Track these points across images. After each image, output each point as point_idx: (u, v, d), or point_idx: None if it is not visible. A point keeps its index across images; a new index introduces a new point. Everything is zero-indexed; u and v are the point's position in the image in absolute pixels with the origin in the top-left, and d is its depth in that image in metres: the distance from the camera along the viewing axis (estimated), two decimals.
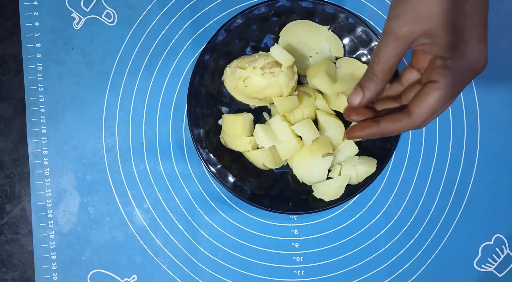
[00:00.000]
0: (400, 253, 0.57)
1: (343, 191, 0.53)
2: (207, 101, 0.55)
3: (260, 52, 0.53)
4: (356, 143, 0.54)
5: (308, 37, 0.55)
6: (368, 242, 0.57)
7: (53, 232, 0.56)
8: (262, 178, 0.56)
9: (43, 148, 0.57)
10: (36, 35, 0.57)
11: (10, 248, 0.56)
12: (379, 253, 0.57)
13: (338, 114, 0.55)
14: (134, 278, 0.56)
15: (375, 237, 0.57)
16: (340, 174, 0.53)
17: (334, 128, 0.54)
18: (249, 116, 0.54)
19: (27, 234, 0.56)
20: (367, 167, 0.53)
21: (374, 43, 0.54)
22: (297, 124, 0.52)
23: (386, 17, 0.39)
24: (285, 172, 0.56)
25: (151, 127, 0.57)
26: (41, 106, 0.57)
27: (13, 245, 0.56)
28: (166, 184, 0.57)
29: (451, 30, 0.35)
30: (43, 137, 0.57)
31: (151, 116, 0.57)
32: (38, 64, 0.57)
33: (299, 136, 0.53)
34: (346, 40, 0.55)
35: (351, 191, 0.53)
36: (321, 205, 0.53)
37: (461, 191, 0.57)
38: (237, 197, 0.53)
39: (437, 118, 0.57)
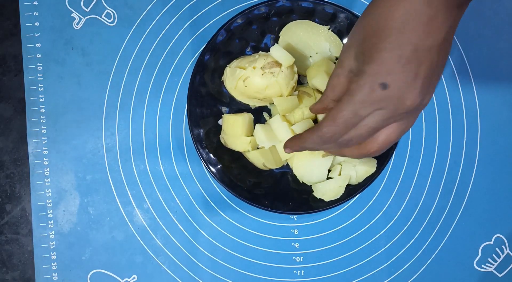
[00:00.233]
0: (400, 253, 0.57)
1: (343, 191, 0.53)
2: (207, 101, 0.55)
3: (260, 52, 0.53)
4: None
5: (308, 37, 0.55)
6: (368, 242, 0.57)
7: (53, 232, 0.56)
8: (262, 178, 0.56)
9: (43, 148, 0.57)
10: (36, 35, 0.57)
11: (10, 248, 0.56)
12: (379, 253, 0.57)
13: None
14: (134, 278, 0.56)
15: (375, 237, 0.57)
16: (340, 174, 0.53)
17: None
18: (249, 116, 0.54)
19: (27, 234, 0.56)
20: (367, 167, 0.53)
21: None
22: (297, 124, 0.52)
23: None
24: (285, 172, 0.56)
25: (151, 127, 0.57)
26: (41, 106, 0.57)
27: (13, 245, 0.56)
28: (166, 184, 0.57)
29: (356, 49, 0.39)
30: (43, 137, 0.57)
31: (151, 116, 0.57)
32: (38, 64, 0.57)
33: None
34: (346, 40, 0.55)
35: (351, 191, 0.53)
36: (321, 205, 0.53)
37: (461, 191, 0.57)
38: (237, 197, 0.53)
39: (437, 118, 0.57)
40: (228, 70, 0.53)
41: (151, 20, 0.57)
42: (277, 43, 0.54)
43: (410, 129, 0.57)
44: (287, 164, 0.56)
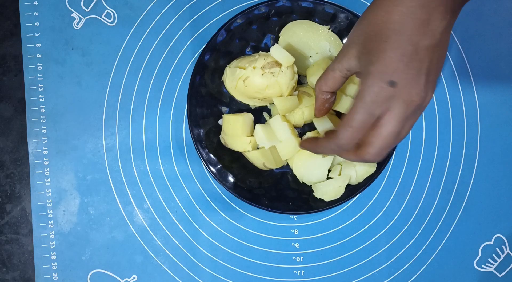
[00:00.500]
0: (400, 253, 0.57)
1: (343, 191, 0.53)
2: (207, 101, 0.55)
3: (260, 52, 0.53)
4: None
5: (308, 37, 0.55)
6: (368, 242, 0.57)
7: (53, 232, 0.56)
8: (262, 178, 0.56)
9: (43, 148, 0.57)
10: (36, 35, 0.57)
11: (10, 248, 0.56)
12: (379, 253, 0.57)
13: (337, 114, 0.55)
14: (134, 278, 0.56)
15: (375, 237, 0.57)
16: (340, 174, 0.53)
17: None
18: (249, 116, 0.54)
19: (27, 234, 0.56)
20: (367, 167, 0.53)
21: None
22: (319, 124, 0.51)
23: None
24: (285, 172, 0.56)
25: (151, 127, 0.57)
26: (41, 106, 0.57)
27: (13, 245, 0.56)
28: (166, 184, 0.57)
29: (359, 48, 0.40)
30: (43, 137, 0.57)
31: (151, 116, 0.57)
32: (38, 64, 0.57)
33: (299, 136, 0.54)
34: (346, 40, 0.55)
35: (351, 191, 0.53)
36: (321, 205, 0.53)
37: (461, 191, 0.57)
38: (237, 197, 0.53)
39: (437, 118, 0.58)
40: (228, 70, 0.53)
41: (151, 20, 0.58)
42: (277, 43, 0.54)
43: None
44: (287, 164, 0.56)
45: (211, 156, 0.54)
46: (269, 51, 0.52)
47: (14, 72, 0.57)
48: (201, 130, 0.54)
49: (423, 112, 0.57)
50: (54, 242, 0.56)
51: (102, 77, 0.57)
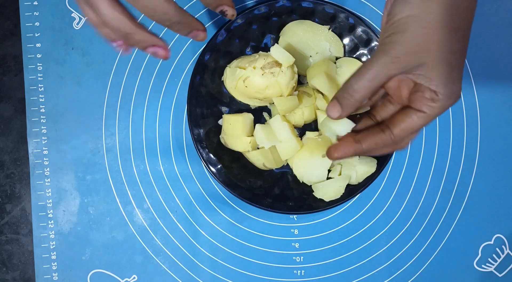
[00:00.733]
0: (400, 253, 0.57)
1: (343, 191, 0.53)
2: (207, 101, 0.55)
3: (260, 52, 0.53)
4: None
5: (308, 37, 0.55)
6: (368, 242, 0.57)
7: (53, 232, 0.56)
8: (262, 178, 0.56)
9: (43, 148, 0.57)
10: (36, 35, 0.57)
11: (10, 248, 0.56)
12: (379, 253, 0.57)
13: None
14: (134, 278, 0.56)
15: (375, 237, 0.57)
16: (340, 174, 0.53)
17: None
18: (249, 116, 0.54)
19: (27, 234, 0.56)
20: (367, 167, 0.53)
21: (374, 43, 0.54)
22: (339, 127, 0.44)
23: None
24: (285, 172, 0.56)
25: (151, 127, 0.57)
26: (41, 106, 0.57)
27: (13, 245, 0.56)
28: (166, 184, 0.57)
29: (446, 68, 0.37)
30: (43, 137, 0.57)
31: (151, 116, 0.57)
32: (38, 64, 0.57)
33: (299, 136, 0.54)
34: (346, 40, 0.55)
35: (351, 191, 0.53)
36: (321, 205, 0.53)
37: (461, 191, 0.57)
38: (237, 197, 0.53)
39: (437, 118, 0.57)
40: (228, 70, 0.53)
41: (151, 20, 0.57)
42: (277, 43, 0.54)
43: None
44: (287, 164, 0.56)
45: (211, 156, 0.54)
46: (269, 51, 0.52)
47: (14, 72, 0.57)
48: (201, 130, 0.54)
49: None
50: (54, 242, 0.56)
51: (102, 77, 0.57)
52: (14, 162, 0.57)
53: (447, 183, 0.57)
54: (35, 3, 0.57)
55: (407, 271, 0.57)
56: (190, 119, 0.54)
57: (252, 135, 0.54)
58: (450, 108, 0.58)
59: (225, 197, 0.57)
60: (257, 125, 0.53)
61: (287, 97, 0.52)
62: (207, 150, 0.54)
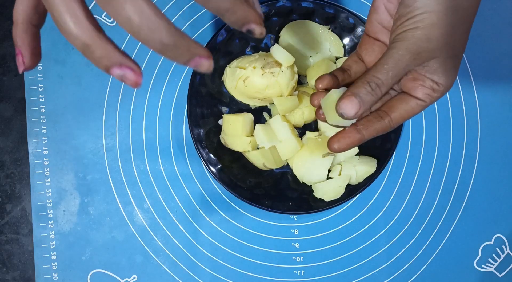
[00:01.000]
0: (400, 253, 0.57)
1: (343, 191, 0.53)
2: (207, 101, 0.55)
3: (260, 52, 0.53)
4: None
5: (308, 37, 0.55)
6: (368, 242, 0.57)
7: (53, 232, 0.56)
8: (262, 178, 0.56)
9: (43, 148, 0.57)
10: None
11: (10, 248, 0.56)
12: (379, 253, 0.57)
13: None
14: (134, 278, 0.56)
15: (375, 237, 0.57)
16: (340, 174, 0.53)
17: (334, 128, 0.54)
18: (249, 116, 0.54)
19: (27, 234, 0.56)
20: (367, 167, 0.53)
21: None
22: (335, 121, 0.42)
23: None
24: (285, 172, 0.56)
25: (151, 127, 0.57)
26: (41, 106, 0.57)
27: (13, 245, 0.56)
28: (166, 184, 0.57)
29: (452, 62, 0.38)
30: (43, 137, 0.57)
31: (151, 116, 0.57)
32: (38, 64, 0.57)
33: (299, 136, 0.54)
34: (346, 40, 0.55)
35: (351, 191, 0.53)
36: (321, 205, 0.53)
37: (461, 191, 0.57)
38: (237, 197, 0.53)
39: (437, 118, 0.58)
40: (228, 70, 0.53)
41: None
42: (277, 43, 0.54)
43: (410, 128, 0.57)
44: (287, 164, 0.56)
45: (211, 156, 0.54)
46: (269, 51, 0.52)
47: (14, 72, 0.57)
48: (201, 130, 0.54)
49: (423, 111, 0.57)
50: (54, 242, 0.56)
51: (102, 77, 0.57)
52: (14, 162, 0.57)
53: (447, 183, 0.57)
54: None
55: (407, 271, 0.57)
56: (190, 119, 0.54)
57: (252, 135, 0.54)
58: (450, 108, 0.58)
59: (225, 197, 0.57)
60: (257, 125, 0.53)
61: (287, 97, 0.52)
62: (207, 150, 0.54)
